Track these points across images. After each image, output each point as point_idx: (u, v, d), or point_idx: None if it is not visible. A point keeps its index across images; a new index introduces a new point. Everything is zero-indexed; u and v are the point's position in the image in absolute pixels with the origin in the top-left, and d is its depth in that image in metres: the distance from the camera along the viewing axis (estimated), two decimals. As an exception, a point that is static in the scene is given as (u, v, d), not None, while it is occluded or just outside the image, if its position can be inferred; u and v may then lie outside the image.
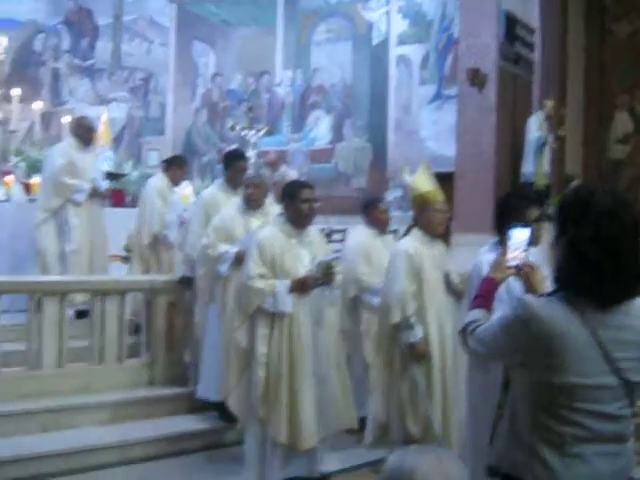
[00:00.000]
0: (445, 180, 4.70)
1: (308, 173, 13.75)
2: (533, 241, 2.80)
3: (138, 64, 15.41)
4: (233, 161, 5.91)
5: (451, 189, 8.76)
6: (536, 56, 9.96)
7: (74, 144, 6.91)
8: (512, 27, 9.44)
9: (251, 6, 14.58)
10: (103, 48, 15.37)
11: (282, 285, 4.35)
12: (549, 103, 9.35)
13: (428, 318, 4.50)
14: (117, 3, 15.29)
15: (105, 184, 7.16)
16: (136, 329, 5.83)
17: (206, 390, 5.31)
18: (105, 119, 13.88)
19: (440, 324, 4.53)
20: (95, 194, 6.87)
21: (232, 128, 9.73)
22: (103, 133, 13.83)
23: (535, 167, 9.13)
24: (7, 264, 6.91)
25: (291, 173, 7.63)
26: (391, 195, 12.22)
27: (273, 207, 5.38)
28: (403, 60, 12.87)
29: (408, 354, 4.45)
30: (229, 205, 5.54)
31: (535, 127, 9.22)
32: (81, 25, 15.34)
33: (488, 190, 9.12)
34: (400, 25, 12.91)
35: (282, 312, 4.34)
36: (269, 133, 10.88)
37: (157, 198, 6.67)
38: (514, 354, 2.18)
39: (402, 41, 12.89)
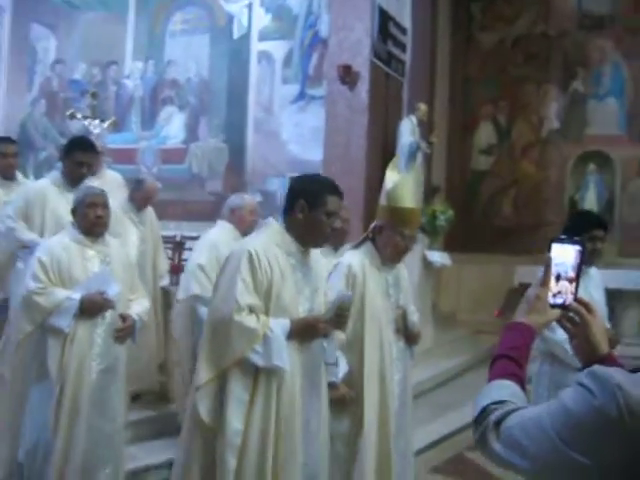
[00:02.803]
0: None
1: (158, 174, 12.64)
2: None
3: (-35, 45, 13.67)
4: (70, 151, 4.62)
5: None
6: (407, 57, 9.45)
7: None
8: (385, 24, 8.86)
9: (99, -13, 13.29)
10: None
11: (279, 327, 2.90)
12: (422, 107, 8.84)
13: (365, 355, 3.36)
14: (-60, -25, 13.50)
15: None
16: None
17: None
18: None
19: (381, 367, 3.40)
20: None
21: (72, 116, 8.46)
22: None
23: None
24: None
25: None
26: (250, 200, 11.33)
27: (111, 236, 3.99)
28: (265, 56, 12.06)
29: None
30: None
31: (407, 131, 8.66)
32: None
33: (358, 197, 8.45)
34: (263, 19, 12.11)
35: (275, 368, 2.90)
36: (115, 127, 9.69)
37: None
38: (587, 475, 1.17)
39: (264, 36, 12.09)
